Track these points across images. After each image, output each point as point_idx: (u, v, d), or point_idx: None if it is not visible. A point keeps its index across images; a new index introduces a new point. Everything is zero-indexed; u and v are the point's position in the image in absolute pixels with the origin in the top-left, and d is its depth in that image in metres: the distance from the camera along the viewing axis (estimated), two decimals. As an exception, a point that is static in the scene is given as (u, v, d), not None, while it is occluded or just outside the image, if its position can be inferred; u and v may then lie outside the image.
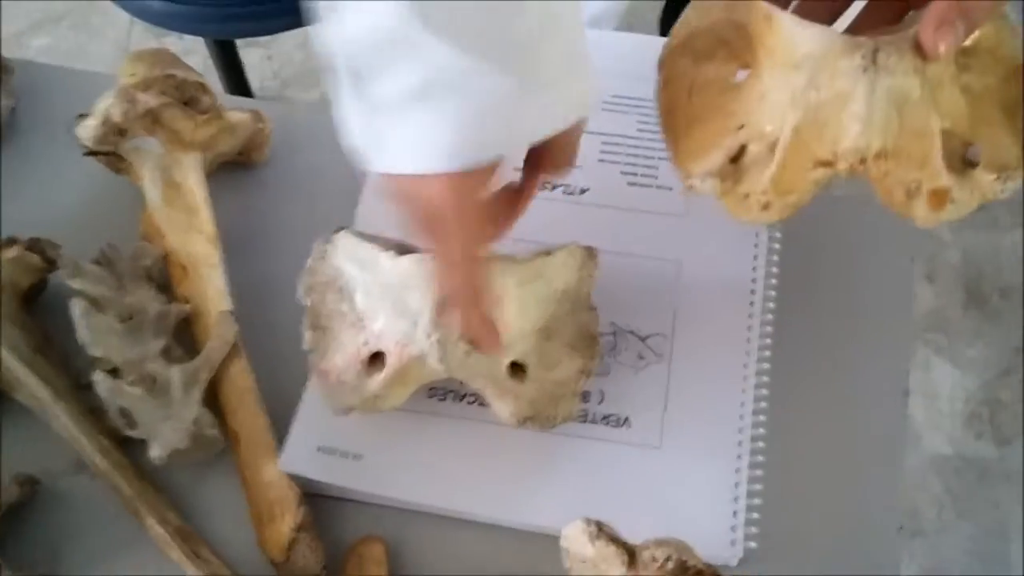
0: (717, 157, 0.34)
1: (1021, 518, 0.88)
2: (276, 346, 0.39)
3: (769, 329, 0.38)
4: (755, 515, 0.35)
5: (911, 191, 0.33)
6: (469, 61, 0.25)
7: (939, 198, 0.33)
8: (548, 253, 0.35)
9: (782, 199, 0.33)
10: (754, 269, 0.38)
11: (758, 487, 0.36)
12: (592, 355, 0.36)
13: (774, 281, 0.38)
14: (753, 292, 0.38)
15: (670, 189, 0.41)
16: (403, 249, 0.34)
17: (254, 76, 1.20)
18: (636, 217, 0.40)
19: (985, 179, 0.32)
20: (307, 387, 0.38)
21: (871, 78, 0.30)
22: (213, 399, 0.39)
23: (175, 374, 0.37)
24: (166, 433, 0.36)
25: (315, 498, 0.37)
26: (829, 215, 0.41)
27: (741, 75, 0.35)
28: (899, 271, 0.41)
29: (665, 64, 0.36)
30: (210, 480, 0.39)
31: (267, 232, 0.44)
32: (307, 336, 0.36)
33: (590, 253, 0.35)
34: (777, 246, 0.39)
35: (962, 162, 0.33)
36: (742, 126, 0.34)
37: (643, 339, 0.38)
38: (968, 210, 0.33)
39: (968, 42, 0.32)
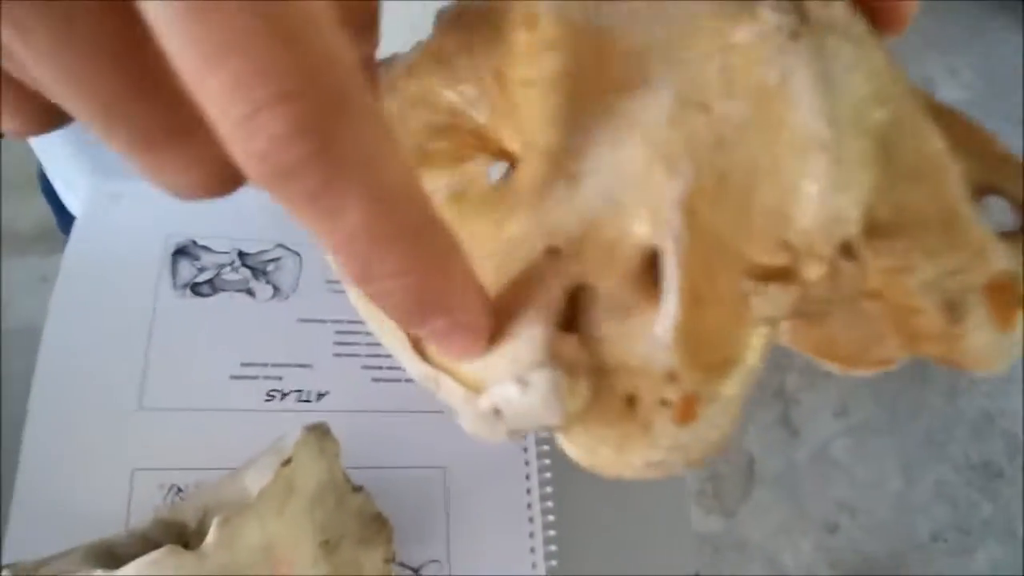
0: (536, 333, 0.16)
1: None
2: None
3: (552, 533, 0.34)
4: None
5: (953, 299, 0.17)
6: None
7: (1007, 300, 0.17)
8: (286, 462, 0.28)
9: (717, 380, 0.16)
10: (526, 464, 0.35)
11: None
12: (387, 537, 0.31)
13: (548, 475, 0.35)
14: (529, 492, 0.34)
15: (422, 381, 0.36)
16: (102, 557, 0.25)
17: None
18: (387, 420, 0.35)
19: None
20: None
21: (813, 48, 0.16)
22: None
23: None
24: None
25: None
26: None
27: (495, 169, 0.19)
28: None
29: None
30: None
31: None
32: None
33: (321, 430, 0.29)
34: (547, 447, 0.36)
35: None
36: (555, 249, 0.17)
37: (416, 571, 0.32)
38: None
39: None
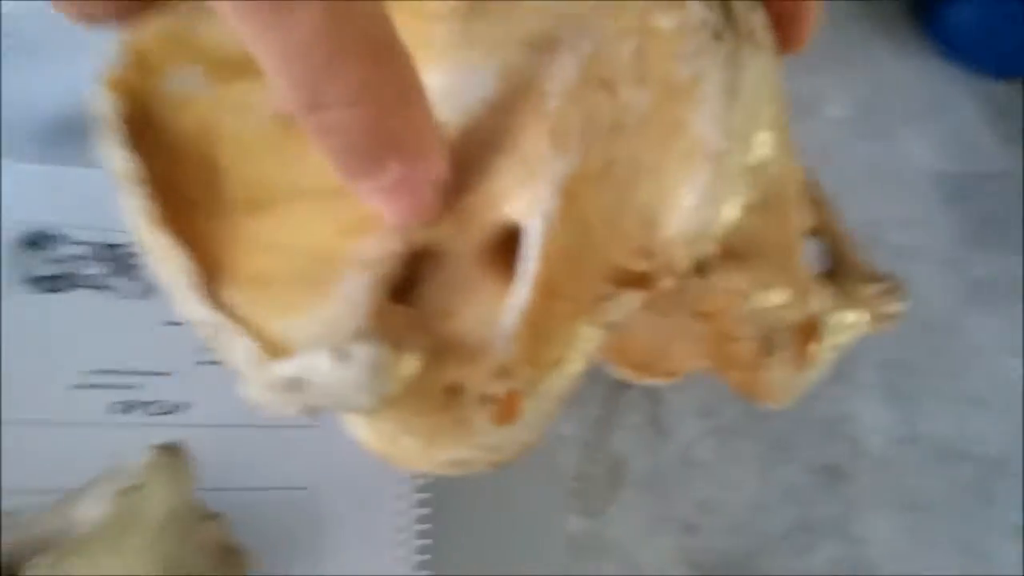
0: (361, 295, 0.14)
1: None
2: None
3: (428, 557, 0.33)
4: None
5: (771, 332, 0.17)
6: None
7: (811, 341, 0.18)
8: (128, 489, 0.25)
9: (545, 380, 0.15)
10: (399, 482, 0.34)
11: None
12: (242, 570, 0.29)
13: (426, 495, 0.34)
14: (403, 513, 0.33)
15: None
16: None
17: None
18: (255, 436, 0.33)
19: (866, 294, 0.19)
20: None
21: (729, 54, 0.15)
22: None
23: None
24: None
25: None
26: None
27: None
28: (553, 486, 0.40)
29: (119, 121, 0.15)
30: None
31: None
32: None
33: (173, 449, 0.27)
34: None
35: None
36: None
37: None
38: (832, 359, 0.19)
39: None
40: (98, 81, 0.16)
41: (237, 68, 0.16)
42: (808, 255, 0.19)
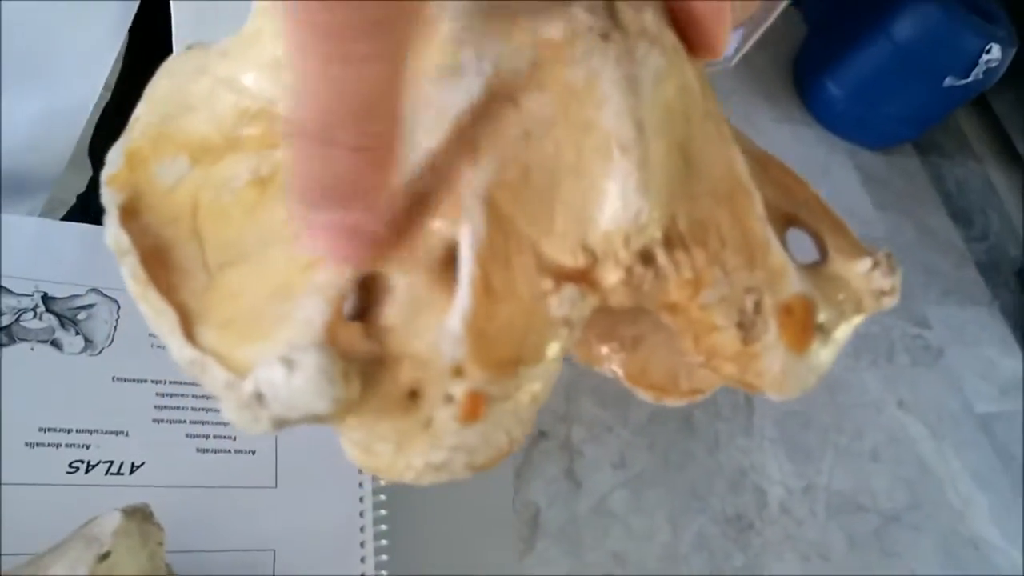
0: (315, 316, 0.15)
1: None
2: None
3: (385, 619, 0.33)
4: None
5: (748, 317, 0.17)
6: None
7: (799, 323, 0.17)
8: (104, 556, 0.24)
9: (503, 385, 0.15)
10: (362, 544, 0.34)
11: None
12: None
13: (385, 557, 0.34)
14: None
15: (252, 453, 0.34)
16: None
17: None
18: (212, 497, 0.32)
19: (855, 273, 0.19)
20: None
21: (622, 52, 0.16)
22: None
23: None
24: None
25: None
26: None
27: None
28: (500, 501, 0.41)
29: (121, 182, 0.18)
30: None
31: None
32: None
33: (142, 514, 0.26)
34: (384, 512, 0.35)
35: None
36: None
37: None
38: (841, 344, 0.18)
39: None
40: (102, 178, 0.18)
41: (217, 152, 0.18)
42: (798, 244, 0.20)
